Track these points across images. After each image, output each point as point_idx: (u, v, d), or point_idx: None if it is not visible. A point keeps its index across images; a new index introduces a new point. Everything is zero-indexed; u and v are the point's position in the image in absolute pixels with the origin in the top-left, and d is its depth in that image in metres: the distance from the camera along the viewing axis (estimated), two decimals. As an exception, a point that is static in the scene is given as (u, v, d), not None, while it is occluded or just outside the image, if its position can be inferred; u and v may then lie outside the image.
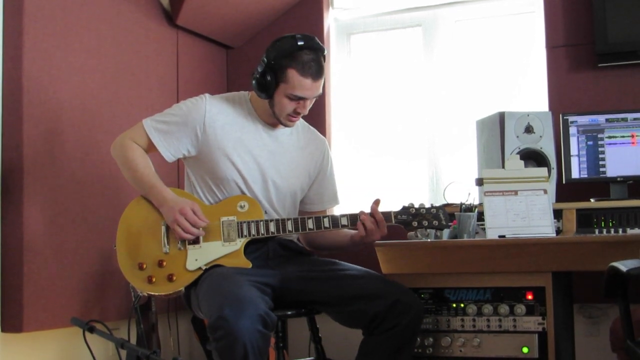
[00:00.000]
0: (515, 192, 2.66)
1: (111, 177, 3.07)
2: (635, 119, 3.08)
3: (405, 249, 2.63)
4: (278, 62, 2.52)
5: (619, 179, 3.07)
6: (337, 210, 3.13)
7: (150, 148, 2.62)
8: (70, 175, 2.95)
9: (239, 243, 2.54)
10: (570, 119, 3.12)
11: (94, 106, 3.09)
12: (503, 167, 2.83)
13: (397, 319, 2.43)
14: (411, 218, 2.56)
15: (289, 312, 2.55)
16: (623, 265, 1.93)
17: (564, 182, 3.11)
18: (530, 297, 2.54)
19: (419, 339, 2.59)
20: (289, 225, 2.55)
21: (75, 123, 3.00)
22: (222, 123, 2.62)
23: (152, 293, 2.53)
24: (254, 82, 2.56)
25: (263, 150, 2.66)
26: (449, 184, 2.94)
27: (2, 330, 2.76)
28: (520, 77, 3.67)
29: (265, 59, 2.55)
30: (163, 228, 2.55)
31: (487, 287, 2.59)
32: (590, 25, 3.32)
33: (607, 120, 3.10)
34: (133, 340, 3.04)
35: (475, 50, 3.77)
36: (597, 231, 2.84)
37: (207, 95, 2.66)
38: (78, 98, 3.01)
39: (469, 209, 2.71)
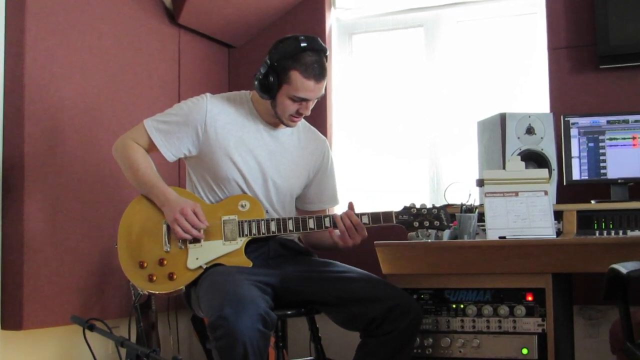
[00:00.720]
0: (516, 193, 2.66)
1: (112, 175, 3.07)
2: (636, 120, 3.08)
3: (405, 249, 2.63)
4: (281, 64, 2.52)
5: (619, 181, 3.07)
6: (337, 210, 3.13)
7: (152, 148, 2.62)
8: (71, 173, 2.95)
9: (240, 242, 2.54)
10: (572, 120, 3.12)
11: (95, 104, 3.09)
12: (504, 168, 2.83)
13: (395, 322, 2.43)
14: (412, 218, 2.56)
15: (289, 312, 2.55)
16: (623, 267, 1.93)
17: (564, 183, 3.11)
18: (530, 298, 2.53)
19: (418, 340, 2.59)
20: (290, 225, 2.55)
21: (77, 121, 3.00)
22: (223, 123, 2.62)
23: (153, 291, 2.53)
24: (256, 83, 2.56)
25: (264, 150, 2.66)
26: (449, 184, 2.94)
27: (2, 328, 2.76)
28: (522, 78, 3.67)
29: (268, 61, 2.54)
30: (164, 227, 2.55)
31: (487, 288, 2.59)
32: (592, 27, 3.32)
33: (608, 122, 3.10)
34: (133, 339, 3.05)
35: (476, 51, 3.77)
36: (597, 233, 2.84)
37: (208, 94, 2.66)
38: (79, 96, 3.01)
39: (470, 209, 2.71)
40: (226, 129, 2.62)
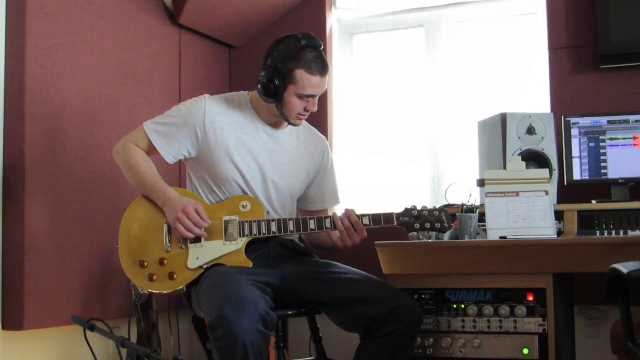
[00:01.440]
0: (517, 193, 2.66)
1: (112, 175, 3.07)
2: (637, 120, 3.07)
3: (406, 250, 2.63)
4: (284, 65, 2.52)
5: (620, 181, 3.07)
6: (338, 210, 3.13)
7: (152, 150, 2.63)
8: (72, 173, 2.95)
9: (240, 242, 2.54)
10: (572, 120, 3.12)
11: (96, 104, 3.09)
12: (504, 168, 2.83)
13: (395, 324, 2.42)
14: (413, 220, 2.56)
15: (289, 312, 2.55)
16: (624, 267, 1.93)
17: (565, 183, 3.11)
18: (530, 298, 2.53)
19: (419, 339, 2.59)
20: (291, 225, 2.55)
21: (77, 121, 3.00)
22: (221, 123, 2.62)
23: (153, 290, 2.53)
24: (260, 87, 2.54)
25: (263, 150, 2.66)
26: (450, 184, 2.94)
27: (3, 328, 2.76)
28: (522, 78, 3.67)
29: (270, 63, 2.54)
30: (165, 227, 2.55)
31: (488, 288, 2.59)
32: (593, 26, 3.32)
33: (608, 122, 3.10)
34: (133, 339, 3.05)
35: (477, 51, 3.77)
36: (598, 233, 2.84)
37: (206, 95, 2.66)
38: (80, 96, 3.02)
39: (470, 209, 2.71)
40: (225, 129, 2.62)
